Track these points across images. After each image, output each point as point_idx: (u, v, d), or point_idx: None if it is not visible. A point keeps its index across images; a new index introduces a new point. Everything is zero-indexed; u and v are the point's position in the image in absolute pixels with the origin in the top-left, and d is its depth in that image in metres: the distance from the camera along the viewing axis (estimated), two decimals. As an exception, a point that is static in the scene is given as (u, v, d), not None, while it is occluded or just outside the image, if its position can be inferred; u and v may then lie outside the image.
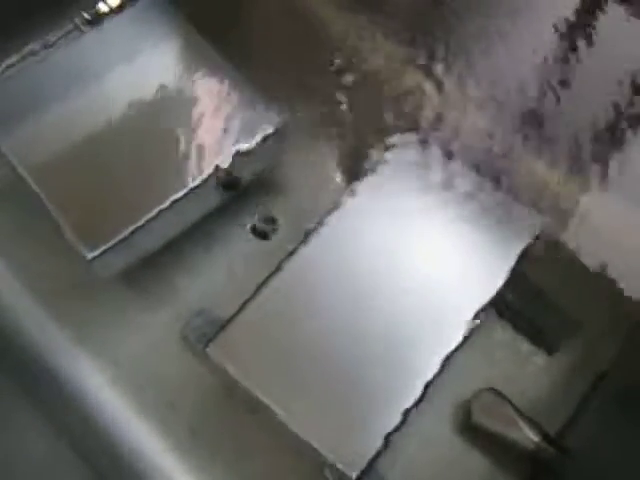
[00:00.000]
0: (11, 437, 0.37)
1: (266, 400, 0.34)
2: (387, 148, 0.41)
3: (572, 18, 0.44)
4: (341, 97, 0.49)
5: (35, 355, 0.41)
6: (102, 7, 0.44)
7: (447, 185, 0.40)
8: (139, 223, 0.38)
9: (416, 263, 0.38)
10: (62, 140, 0.40)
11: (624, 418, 0.36)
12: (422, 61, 0.49)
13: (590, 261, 0.42)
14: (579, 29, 0.44)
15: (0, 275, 0.43)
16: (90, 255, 0.37)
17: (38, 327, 0.42)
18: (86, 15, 0.43)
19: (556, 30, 0.45)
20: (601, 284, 0.41)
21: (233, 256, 0.44)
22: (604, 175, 0.44)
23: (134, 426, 0.39)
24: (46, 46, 0.43)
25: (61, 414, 0.39)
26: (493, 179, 0.41)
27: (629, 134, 0.43)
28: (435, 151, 0.41)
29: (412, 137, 0.42)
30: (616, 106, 0.44)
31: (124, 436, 0.39)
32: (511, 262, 0.37)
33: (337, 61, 0.50)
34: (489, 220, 0.39)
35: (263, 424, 0.37)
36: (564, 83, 0.46)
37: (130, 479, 0.38)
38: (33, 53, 0.42)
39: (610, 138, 0.44)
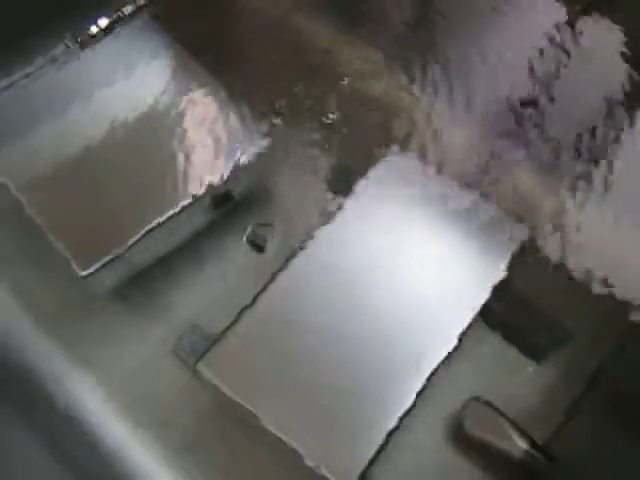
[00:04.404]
0: (5, 453, 0.36)
1: (258, 414, 0.34)
2: (375, 163, 0.42)
3: (553, 37, 0.45)
4: (329, 113, 0.49)
5: (29, 372, 0.41)
6: (93, 29, 0.44)
7: (433, 199, 0.41)
8: (132, 241, 0.39)
9: (405, 275, 0.39)
10: (54, 160, 0.41)
11: (613, 426, 0.37)
12: (407, 78, 0.50)
13: (576, 270, 0.43)
14: (560, 46, 0.45)
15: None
16: (83, 273, 0.38)
17: (31, 344, 0.42)
18: (78, 37, 0.44)
19: (538, 48, 0.46)
20: (588, 293, 0.42)
21: (225, 271, 0.44)
22: (588, 187, 0.45)
23: (128, 441, 0.39)
24: (39, 68, 0.43)
25: (55, 430, 0.39)
26: (478, 192, 0.42)
27: (611, 146, 0.44)
28: (421, 165, 0.42)
29: (399, 152, 0.43)
30: (597, 120, 0.45)
31: (118, 451, 0.39)
32: (498, 272, 0.38)
33: (324, 78, 0.50)
34: (476, 232, 0.40)
35: (256, 439, 0.37)
36: (547, 97, 0.47)
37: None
38: (26, 75, 0.43)
39: (593, 151, 0.45)
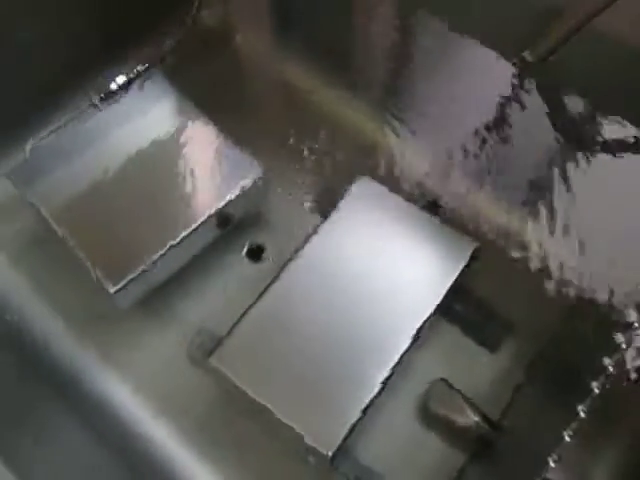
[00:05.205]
0: (48, 438, 0.41)
1: (260, 399, 0.40)
2: (353, 189, 0.48)
3: (511, 85, 0.51)
4: (314, 147, 0.55)
5: (69, 372, 0.46)
6: (113, 86, 0.51)
7: (399, 217, 0.46)
8: (153, 259, 0.43)
9: (378, 279, 0.44)
10: (83, 191, 0.45)
11: (546, 401, 0.43)
12: (383, 120, 0.56)
13: (522, 272, 0.49)
14: (516, 93, 0.51)
15: (37, 306, 0.48)
16: (113, 289, 0.42)
17: (71, 349, 0.47)
18: (100, 93, 0.50)
19: (499, 94, 0.51)
20: (530, 292, 0.48)
21: (228, 281, 0.49)
22: (536, 204, 0.51)
23: (153, 429, 0.45)
24: (69, 120, 0.49)
25: (91, 419, 0.44)
26: (438, 212, 0.49)
27: (555, 176, 0.51)
28: (391, 190, 0.48)
29: (372, 179, 0.48)
30: (546, 156, 0.51)
31: (145, 436, 0.44)
32: (452, 278, 0.44)
33: (310, 119, 0.56)
34: (435, 245, 0.46)
35: (260, 425, 0.42)
36: (507, 132, 0.52)
37: (149, 469, 0.44)
38: (60, 126, 0.49)
39: (541, 179, 0.51)
